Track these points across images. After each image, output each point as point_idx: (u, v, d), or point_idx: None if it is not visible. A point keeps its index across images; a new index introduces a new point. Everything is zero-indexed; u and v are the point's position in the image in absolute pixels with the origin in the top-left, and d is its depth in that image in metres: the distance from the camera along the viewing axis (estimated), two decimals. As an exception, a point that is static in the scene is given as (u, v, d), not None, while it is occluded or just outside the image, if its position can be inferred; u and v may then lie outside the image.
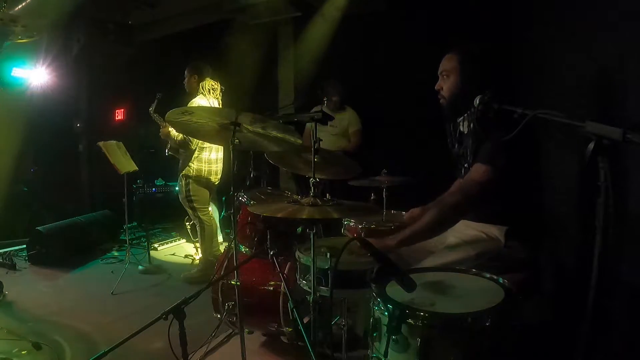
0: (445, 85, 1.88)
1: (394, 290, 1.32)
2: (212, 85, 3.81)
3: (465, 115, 1.87)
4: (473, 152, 1.81)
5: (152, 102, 3.88)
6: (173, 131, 3.74)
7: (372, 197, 2.93)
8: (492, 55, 1.90)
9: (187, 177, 3.79)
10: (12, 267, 4.11)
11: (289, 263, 2.31)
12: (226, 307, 2.36)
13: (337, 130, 4.37)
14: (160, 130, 3.86)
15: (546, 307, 2.38)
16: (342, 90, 4.32)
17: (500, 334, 1.18)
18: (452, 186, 2.17)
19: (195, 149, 3.75)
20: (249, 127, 1.90)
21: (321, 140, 1.91)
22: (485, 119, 1.65)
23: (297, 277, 2.00)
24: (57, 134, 5.19)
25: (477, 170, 1.72)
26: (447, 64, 1.88)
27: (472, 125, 1.82)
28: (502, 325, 1.20)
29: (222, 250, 3.94)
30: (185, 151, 3.81)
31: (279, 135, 1.97)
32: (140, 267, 4.06)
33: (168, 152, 3.98)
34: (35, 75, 4.74)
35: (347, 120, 4.38)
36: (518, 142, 1.41)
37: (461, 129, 1.92)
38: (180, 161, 3.88)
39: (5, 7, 2.77)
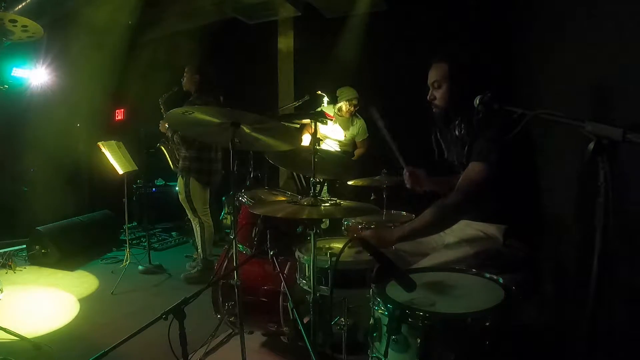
0: (438, 95, 1.87)
1: (394, 290, 1.32)
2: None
3: (458, 120, 1.86)
4: (467, 152, 1.81)
5: (152, 100, 3.90)
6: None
7: (372, 197, 2.93)
8: (482, 57, 1.89)
9: (187, 177, 3.79)
10: (12, 267, 4.11)
11: (289, 263, 2.31)
12: (226, 307, 2.36)
13: (346, 139, 4.39)
14: (160, 123, 3.90)
15: (546, 307, 2.38)
16: (359, 97, 4.29)
17: (500, 334, 1.18)
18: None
19: (195, 149, 3.76)
20: (249, 127, 1.90)
21: (321, 140, 1.91)
22: (478, 118, 1.66)
23: (297, 277, 2.00)
24: (57, 134, 5.18)
25: (473, 169, 1.72)
26: (437, 73, 1.86)
27: (465, 127, 1.83)
28: (502, 325, 1.19)
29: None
30: (185, 151, 3.81)
31: (279, 135, 1.97)
32: (140, 267, 4.06)
33: (158, 145, 4.01)
34: (35, 75, 4.74)
35: (357, 129, 4.40)
36: (513, 140, 1.41)
37: (456, 133, 1.92)
38: (180, 161, 3.88)
39: (5, 7, 2.76)
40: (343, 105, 4.22)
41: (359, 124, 4.40)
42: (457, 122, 1.86)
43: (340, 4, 4.74)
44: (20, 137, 5.04)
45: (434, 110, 1.91)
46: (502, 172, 1.68)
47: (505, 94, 1.52)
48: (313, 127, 2.00)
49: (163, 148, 4.01)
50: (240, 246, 2.55)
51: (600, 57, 2.08)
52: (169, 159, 4.02)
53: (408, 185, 2.27)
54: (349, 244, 1.50)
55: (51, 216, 4.78)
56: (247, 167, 3.94)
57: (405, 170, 2.25)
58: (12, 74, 4.46)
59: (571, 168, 2.26)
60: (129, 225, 4.11)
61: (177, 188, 3.90)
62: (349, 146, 4.44)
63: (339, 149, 4.34)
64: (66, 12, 4.67)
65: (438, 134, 2.00)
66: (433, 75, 1.88)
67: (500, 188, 1.73)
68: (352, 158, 4.40)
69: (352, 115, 4.34)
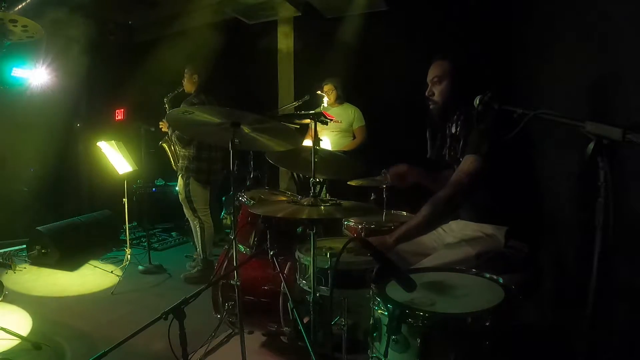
0: (437, 91, 1.89)
1: (394, 290, 1.32)
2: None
3: (455, 117, 1.88)
4: (462, 146, 1.83)
5: (152, 100, 3.91)
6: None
7: (372, 197, 2.92)
8: (482, 57, 1.92)
9: (187, 177, 3.80)
10: (12, 267, 4.11)
11: (289, 263, 2.31)
12: (226, 307, 2.36)
13: (342, 126, 4.39)
14: (161, 122, 3.92)
15: (546, 307, 2.38)
16: (340, 84, 4.36)
17: (500, 334, 1.18)
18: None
19: (194, 149, 3.76)
20: (249, 127, 1.90)
21: (321, 140, 1.91)
22: (475, 114, 1.66)
23: (297, 277, 2.00)
24: (57, 134, 5.19)
25: (466, 162, 1.74)
26: (438, 69, 1.89)
27: (462, 124, 1.84)
28: (502, 325, 1.19)
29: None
30: (184, 150, 3.82)
31: (278, 135, 1.97)
32: (140, 267, 4.06)
33: (161, 143, 4.02)
34: (35, 75, 4.74)
35: (351, 115, 4.41)
36: (513, 140, 1.42)
37: (452, 131, 1.93)
38: (180, 161, 3.89)
39: (5, 7, 2.76)
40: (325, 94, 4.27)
41: (351, 110, 4.41)
42: (454, 118, 1.88)
43: (340, 4, 4.74)
44: (20, 137, 5.04)
45: (430, 106, 1.94)
46: (498, 169, 1.68)
47: (505, 94, 1.52)
48: (313, 127, 2.00)
49: (165, 146, 4.02)
50: (240, 246, 2.55)
51: (600, 57, 2.07)
52: (171, 158, 4.03)
53: (390, 184, 2.34)
54: (349, 244, 1.50)
55: (51, 216, 4.79)
56: (247, 167, 3.94)
57: (384, 171, 2.33)
58: (12, 74, 4.46)
59: (571, 168, 2.26)
60: (129, 225, 4.11)
61: (177, 188, 3.90)
62: (349, 132, 4.45)
63: (338, 136, 4.35)
64: (66, 11, 4.67)
65: (429, 130, 2.02)
66: (434, 72, 1.91)
67: (500, 188, 1.73)
68: (352, 144, 4.41)
69: (337, 102, 4.38)
